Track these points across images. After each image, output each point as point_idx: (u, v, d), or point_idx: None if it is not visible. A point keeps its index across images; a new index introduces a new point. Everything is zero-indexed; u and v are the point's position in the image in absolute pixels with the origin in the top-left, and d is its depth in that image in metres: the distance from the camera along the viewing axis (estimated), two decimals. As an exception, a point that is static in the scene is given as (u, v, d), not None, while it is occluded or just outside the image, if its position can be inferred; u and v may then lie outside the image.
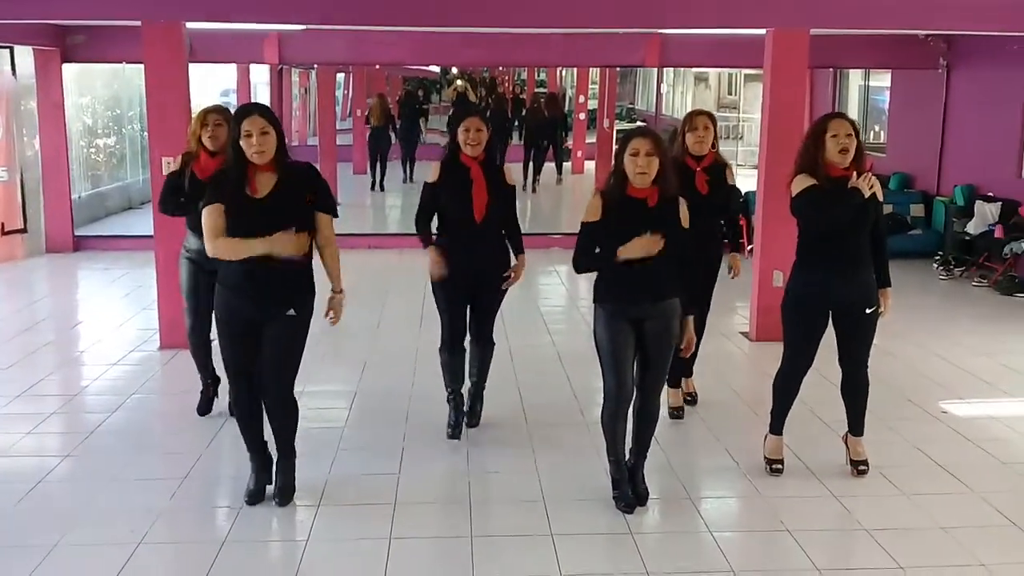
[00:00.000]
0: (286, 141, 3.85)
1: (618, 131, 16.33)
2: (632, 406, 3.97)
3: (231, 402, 4.33)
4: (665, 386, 4.99)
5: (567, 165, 17.89)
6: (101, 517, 3.95)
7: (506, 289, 4.76)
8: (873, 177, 4.06)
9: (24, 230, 9.79)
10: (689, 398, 5.33)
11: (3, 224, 9.57)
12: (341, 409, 5.32)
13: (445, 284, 4.64)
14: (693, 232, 4.08)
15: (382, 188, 15.07)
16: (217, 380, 5.13)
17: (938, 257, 9.55)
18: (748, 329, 6.97)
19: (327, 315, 4.01)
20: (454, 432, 4.82)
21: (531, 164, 15.47)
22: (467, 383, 4.95)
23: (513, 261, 4.75)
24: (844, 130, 4.05)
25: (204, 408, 5.18)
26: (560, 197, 15.81)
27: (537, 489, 4.25)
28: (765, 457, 4.45)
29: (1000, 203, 9.11)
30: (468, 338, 4.85)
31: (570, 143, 18.49)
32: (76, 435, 4.93)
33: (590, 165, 16.77)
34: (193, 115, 4.85)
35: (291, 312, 3.83)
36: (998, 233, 8.84)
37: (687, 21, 7.17)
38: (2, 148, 9.50)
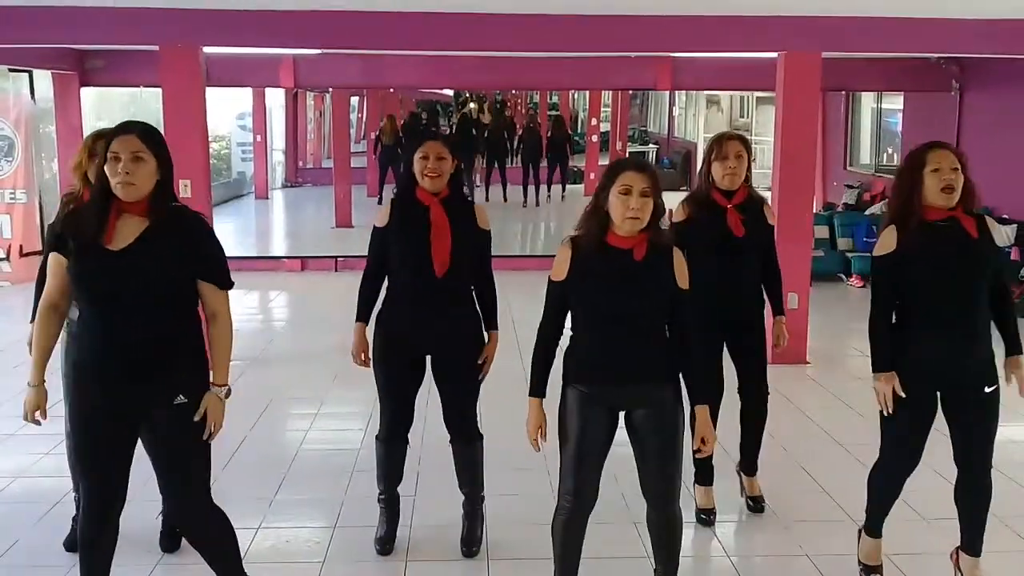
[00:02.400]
0: (175, 177, 2.93)
1: (630, 153, 16.51)
2: (647, 517, 3.19)
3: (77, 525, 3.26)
4: (691, 482, 4.19)
5: (580, 188, 18.10)
6: (119, 537, 3.96)
7: (482, 377, 3.69)
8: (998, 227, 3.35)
9: (42, 252, 9.89)
10: (752, 503, 4.25)
11: (22, 246, 9.67)
12: (357, 431, 5.32)
13: (389, 357, 3.60)
14: (729, 286, 3.80)
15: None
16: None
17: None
18: (763, 351, 6.94)
19: (198, 418, 2.85)
20: (383, 548, 3.82)
21: (529, 182, 16.60)
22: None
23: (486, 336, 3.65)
24: (948, 163, 3.17)
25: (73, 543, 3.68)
26: (570, 217, 15.86)
27: (551, 512, 4.23)
28: (860, 562, 3.66)
29: (1015, 225, 9.09)
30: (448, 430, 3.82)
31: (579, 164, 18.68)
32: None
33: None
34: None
35: (180, 399, 2.83)
36: (1014, 255, 8.81)
37: (699, 45, 7.22)
38: (21, 171, 9.62)
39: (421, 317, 3.54)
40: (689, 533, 4.08)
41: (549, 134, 17.37)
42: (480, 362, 3.64)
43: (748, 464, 4.28)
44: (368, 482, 4.56)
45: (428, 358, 3.67)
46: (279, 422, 5.68)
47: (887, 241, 3.27)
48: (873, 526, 3.62)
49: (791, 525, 4.12)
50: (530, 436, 3.09)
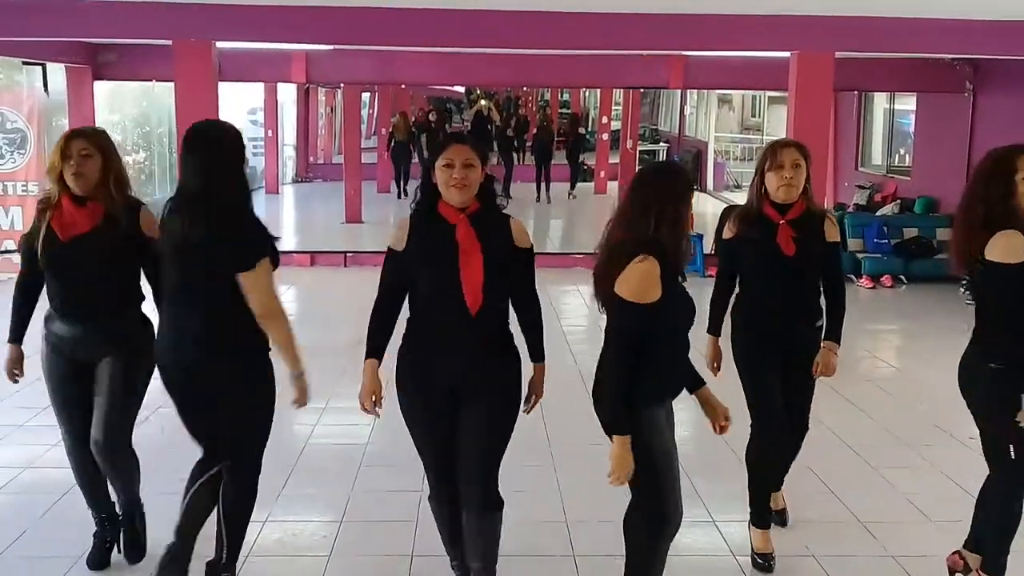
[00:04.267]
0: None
1: (641, 152, 16.55)
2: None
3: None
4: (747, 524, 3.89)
5: (590, 185, 18.14)
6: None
7: (514, 415, 3.11)
8: None
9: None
10: (776, 516, 3.98)
11: (33, 238, 9.73)
12: (364, 426, 5.33)
13: (418, 409, 3.09)
14: (783, 310, 3.58)
15: (406, 194, 16.37)
16: (115, 517, 3.69)
17: (965, 281, 9.44)
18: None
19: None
20: None
21: (541, 178, 16.87)
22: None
23: (528, 371, 3.10)
24: None
25: (98, 558, 3.63)
26: (580, 214, 15.90)
27: (560, 509, 4.24)
28: None
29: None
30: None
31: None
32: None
33: (613, 185, 16.92)
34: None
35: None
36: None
37: (712, 44, 7.20)
38: (33, 164, 9.65)
39: (450, 358, 3.00)
40: (696, 533, 4.07)
41: (562, 132, 17.55)
42: (525, 400, 3.17)
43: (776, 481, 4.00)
44: (375, 477, 4.57)
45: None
46: (286, 416, 5.64)
47: (1019, 247, 3.02)
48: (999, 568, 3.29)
49: (798, 526, 4.11)
50: (624, 478, 2.84)
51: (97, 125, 10.27)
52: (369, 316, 3.11)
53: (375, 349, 3.09)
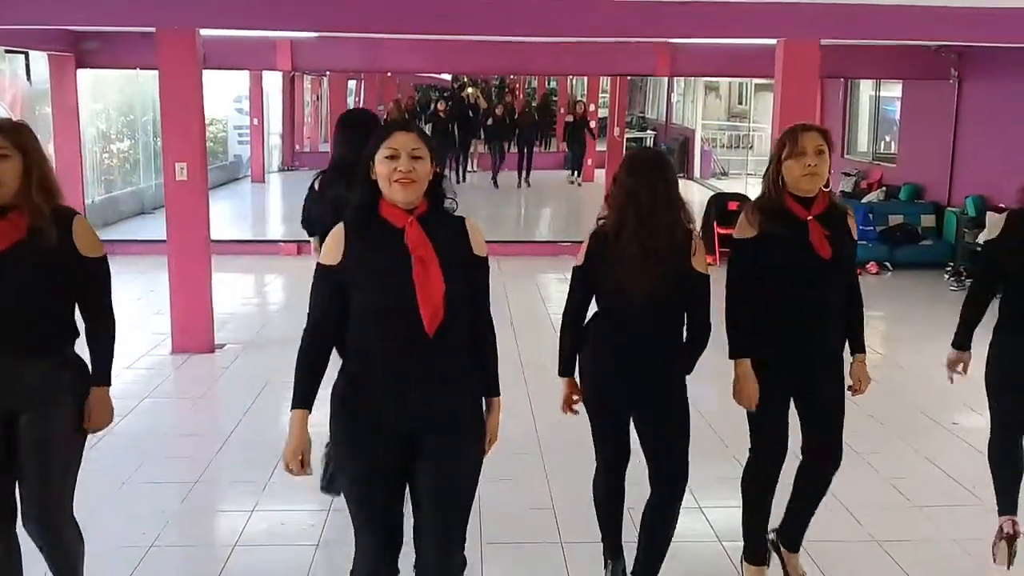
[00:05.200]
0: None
1: (629, 139, 16.64)
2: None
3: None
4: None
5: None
6: (112, 521, 3.98)
7: (480, 459, 2.65)
8: None
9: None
10: None
11: (16, 228, 9.63)
12: (351, 415, 5.33)
13: (356, 449, 2.57)
14: (813, 319, 3.14)
15: None
16: None
17: (949, 268, 9.54)
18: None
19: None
20: None
21: (522, 165, 17.27)
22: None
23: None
24: None
25: None
26: (567, 201, 15.94)
27: (547, 496, 4.26)
28: (996, 553, 3.51)
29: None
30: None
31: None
32: (87, 439, 4.95)
33: (600, 173, 17.01)
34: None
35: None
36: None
37: (698, 31, 7.20)
38: (16, 153, 9.58)
39: (402, 392, 2.48)
40: (681, 518, 4.09)
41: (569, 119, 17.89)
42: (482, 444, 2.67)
43: (791, 537, 3.50)
44: (363, 466, 4.57)
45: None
46: (274, 405, 5.68)
47: None
48: (1005, 505, 3.53)
49: (782, 512, 4.13)
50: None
51: (80, 114, 10.20)
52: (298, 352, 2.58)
53: (304, 398, 2.56)
